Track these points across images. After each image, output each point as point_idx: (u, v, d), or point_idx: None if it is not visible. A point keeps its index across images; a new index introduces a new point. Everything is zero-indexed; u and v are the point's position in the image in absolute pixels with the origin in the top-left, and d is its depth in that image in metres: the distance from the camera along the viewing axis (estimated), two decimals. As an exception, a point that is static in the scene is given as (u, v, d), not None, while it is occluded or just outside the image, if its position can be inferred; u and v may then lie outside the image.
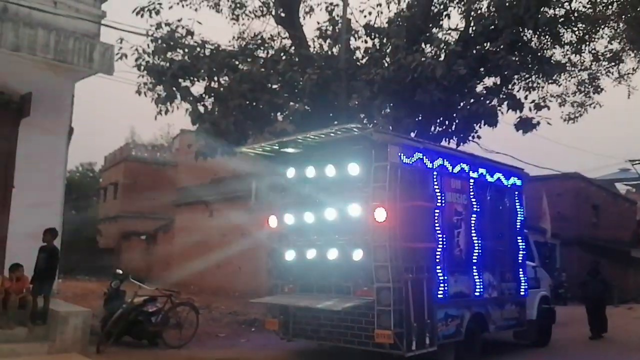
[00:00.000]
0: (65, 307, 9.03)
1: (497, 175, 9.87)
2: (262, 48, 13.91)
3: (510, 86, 13.59)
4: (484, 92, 12.91)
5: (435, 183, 8.29)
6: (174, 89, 12.43)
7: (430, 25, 13.21)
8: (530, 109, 12.64)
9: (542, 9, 12.38)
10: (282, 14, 14.11)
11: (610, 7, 13.51)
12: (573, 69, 15.32)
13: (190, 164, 23.28)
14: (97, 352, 8.51)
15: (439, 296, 7.98)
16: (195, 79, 12.73)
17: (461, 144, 13.45)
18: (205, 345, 9.94)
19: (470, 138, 13.66)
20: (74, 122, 11.02)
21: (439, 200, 8.28)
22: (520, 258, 10.10)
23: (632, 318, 11.41)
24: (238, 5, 14.68)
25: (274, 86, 12.66)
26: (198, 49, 12.70)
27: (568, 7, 13.24)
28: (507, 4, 12.28)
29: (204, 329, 11.17)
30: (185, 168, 28.37)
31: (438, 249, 8.10)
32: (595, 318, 11.96)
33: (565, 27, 13.56)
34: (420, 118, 12.65)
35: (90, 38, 9.19)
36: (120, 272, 10.73)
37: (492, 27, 12.26)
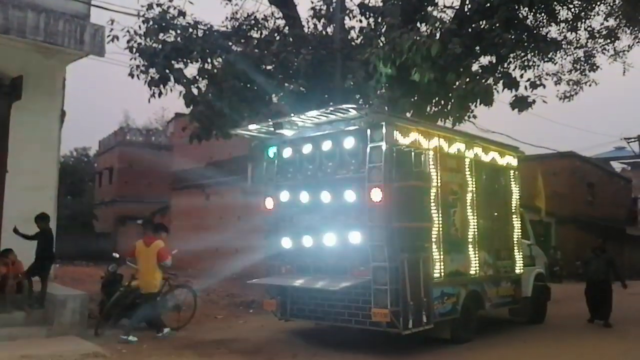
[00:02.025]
0: (63, 290, 9.06)
1: (493, 154, 9.89)
2: (255, 28, 13.75)
3: (505, 65, 13.51)
4: (480, 71, 12.84)
5: (431, 163, 8.29)
6: (167, 71, 12.30)
7: (425, 3, 13.04)
8: (525, 88, 12.57)
9: (537, -14, 12.23)
10: (276, -7, 13.92)
11: (606, -17, 13.41)
12: (569, 46, 15.27)
13: (185, 147, 23.17)
14: (96, 334, 8.55)
15: (435, 275, 8.04)
16: (189, 61, 12.60)
17: (457, 124, 13.42)
18: (203, 327, 10.00)
19: (465, 118, 13.63)
20: (66, 106, 10.94)
21: (435, 180, 8.29)
22: (515, 236, 10.17)
23: (627, 294, 11.44)
24: (230, -16, 14.46)
25: (268, 67, 12.54)
26: (190, 30, 12.54)
27: (564, -16, 13.12)
28: (502, -19, 12.13)
29: (202, 311, 11.23)
30: (181, 152, 28.25)
31: (434, 229, 8.13)
32: (598, 301, 10.80)
33: (561, 4, 13.44)
34: (415, 98, 12.57)
35: (80, 19, 9.05)
36: (117, 255, 10.74)
37: (488, 4, 12.12)
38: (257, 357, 7.63)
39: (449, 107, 13.01)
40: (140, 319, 8.82)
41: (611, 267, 10.98)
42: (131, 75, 12.56)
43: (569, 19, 14.14)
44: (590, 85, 15.80)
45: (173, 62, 12.36)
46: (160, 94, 12.52)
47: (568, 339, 9.39)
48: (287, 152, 8.94)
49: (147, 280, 8.80)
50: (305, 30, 13.65)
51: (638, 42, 15.29)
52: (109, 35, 11.18)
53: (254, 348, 8.25)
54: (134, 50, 12.25)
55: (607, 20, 14.72)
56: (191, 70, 12.88)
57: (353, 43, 13.29)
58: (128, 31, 12.18)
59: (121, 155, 37.97)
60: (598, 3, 13.89)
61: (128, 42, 12.20)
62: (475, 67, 12.87)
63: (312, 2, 14.13)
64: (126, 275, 9.83)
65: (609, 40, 15.24)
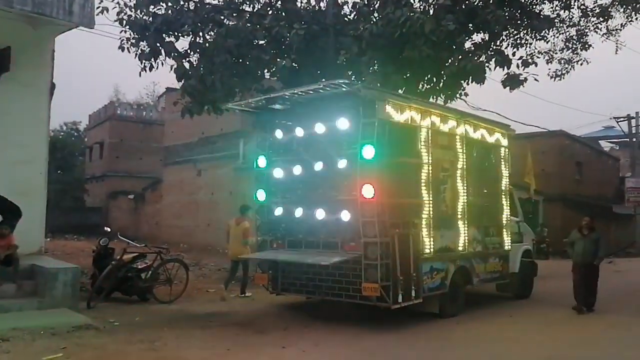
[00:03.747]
0: (55, 263, 9.07)
1: (484, 131, 9.93)
2: (248, 2, 13.55)
3: (498, 42, 13.49)
4: (472, 48, 12.81)
5: (423, 139, 8.33)
6: (158, 44, 12.16)
7: (419, -22, 12.92)
8: (517, 66, 12.58)
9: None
10: (268, -34, 13.70)
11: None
12: (561, 24, 15.26)
13: (177, 122, 23.09)
14: (88, 307, 8.61)
15: (425, 250, 8.14)
16: (180, 34, 12.44)
17: (449, 101, 13.43)
18: (195, 301, 10.10)
19: (457, 95, 13.63)
20: (55, 79, 10.80)
21: (426, 157, 8.34)
22: (504, 213, 10.28)
23: (612, 271, 11.65)
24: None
25: (261, 42, 12.43)
26: (182, 2, 12.35)
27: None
28: (497, -43, 12.03)
29: (194, 285, 11.34)
30: (172, 127, 28.10)
31: (424, 205, 8.21)
32: (583, 286, 9.61)
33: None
34: (408, 75, 12.54)
35: (69, -10, 8.88)
36: (109, 229, 10.78)
37: (482, -20, 12.05)
38: (249, 330, 7.74)
39: (441, 84, 13.01)
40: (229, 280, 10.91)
41: (598, 248, 9.66)
42: (121, 48, 12.40)
43: (563, -3, 14.08)
44: (581, 64, 15.87)
45: (164, 35, 12.21)
46: (151, 67, 12.39)
47: (553, 314, 9.57)
48: (279, 128, 8.93)
49: (235, 251, 10.66)
50: (298, 4, 13.49)
51: (631, 20, 15.30)
52: (98, 7, 11.01)
53: (246, 321, 8.36)
54: (124, 22, 12.08)
55: (601, -2, 14.71)
56: (182, 43, 12.73)
57: (346, 18, 13.17)
58: (118, 3, 12.01)
59: (112, 129, 37.67)
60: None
61: (118, 14, 12.02)
62: (467, 44, 12.84)
63: (305, -24, 13.93)
64: (118, 250, 9.86)
65: (601, 19, 15.24)
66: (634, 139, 29.01)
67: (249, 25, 12.26)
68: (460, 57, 11.69)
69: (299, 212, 8.47)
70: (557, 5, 14.37)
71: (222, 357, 6.38)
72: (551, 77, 16.04)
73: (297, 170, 8.58)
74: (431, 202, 8.32)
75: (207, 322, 8.22)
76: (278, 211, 8.79)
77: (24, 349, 6.18)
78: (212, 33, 12.42)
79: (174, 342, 6.84)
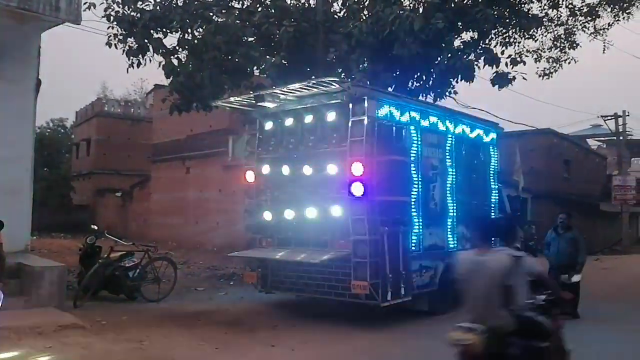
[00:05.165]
0: (41, 262, 8.97)
1: (472, 129, 9.99)
2: (237, -2, 13.48)
3: (487, 41, 13.54)
4: (461, 46, 12.85)
5: (412, 137, 8.34)
6: (146, 40, 12.03)
7: (409, -24, 12.93)
8: (506, 64, 12.64)
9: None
10: (257, -37, 13.61)
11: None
12: (550, 23, 15.36)
13: (165, 119, 22.86)
14: (74, 306, 8.53)
15: (414, 248, 8.16)
16: (168, 31, 12.32)
17: (438, 99, 13.46)
18: (184, 299, 10.04)
19: (447, 93, 13.67)
20: (41, 75, 10.67)
21: (415, 155, 8.35)
22: (492, 211, 10.33)
23: (599, 269, 11.71)
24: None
25: (250, 39, 12.37)
26: (170, -2, 12.24)
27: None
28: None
29: (182, 284, 11.27)
30: (160, 124, 27.86)
31: (414, 203, 8.22)
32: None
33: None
34: (397, 73, 12.56)
35: (55, -15, 8.77)
36: (96, 227, 10.66)
37: (471, -21, 12.07)
38: (238, 328, 7.71)
39: (431, 82, 13.03)
40: None
41: (577, 248, 8.79)
42: (109, 44, 12.26)
43: (551, -4, 14.17)
44: (569, 63, 15.99)
45: (152, 31, 12.08)
46: (139, 64, 12.26)
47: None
48: (269, 125, 8.91)
49: None
50: (288, 1, 13.43)
51: (618, 20, 15.42)
52: (85, 3, 10.85)
53: (235, 319, 8.33)
54: (112, 18, 11.94)
55: (588, -3, 14.81)
56: (171, 40, 12.62)
57: (336, 16, 13.16)
58: (105, -1, 11.85)
59: (99, 126, 37.29)
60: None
61: (105, 10, 11.86)
62: (457, 42, 12.87)
63: (295, -27, 13.87)
64: (105, 248, 9.77)
65: (589, 18, 15.35)
66: (621, 138, 29.28)
67: (238, 22, 12.18)
68: (449, 55, 11.72)
69: (288, 210, 8.44)
70: (545, 5, 14.47)
71: (211, 356, 6.35)
72: (540, 76, 16.16)
73: (286, 167, 8.55)
74: (420, 199, 8.34)
75: (195, 320, 8.17)
76: (267, 209, 8.75)
77: (10, 348, 6.11)
78: (201, 29, 12.33)
79: (161, 342, 6.79)
